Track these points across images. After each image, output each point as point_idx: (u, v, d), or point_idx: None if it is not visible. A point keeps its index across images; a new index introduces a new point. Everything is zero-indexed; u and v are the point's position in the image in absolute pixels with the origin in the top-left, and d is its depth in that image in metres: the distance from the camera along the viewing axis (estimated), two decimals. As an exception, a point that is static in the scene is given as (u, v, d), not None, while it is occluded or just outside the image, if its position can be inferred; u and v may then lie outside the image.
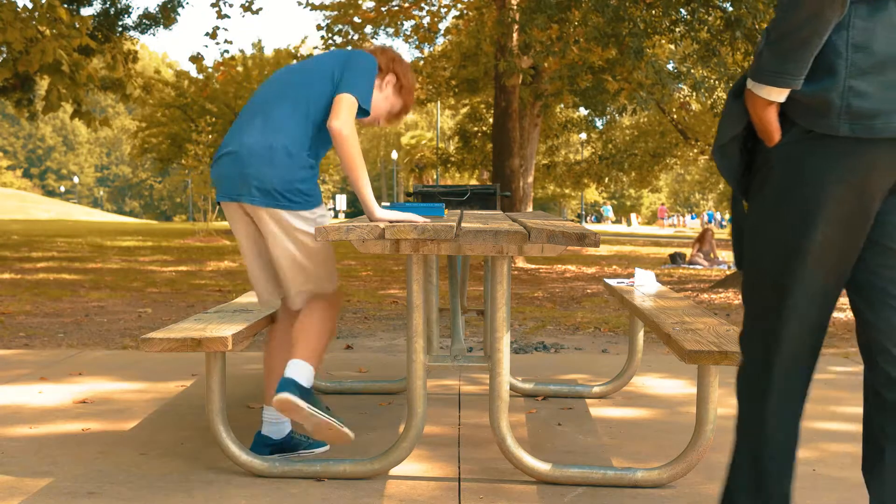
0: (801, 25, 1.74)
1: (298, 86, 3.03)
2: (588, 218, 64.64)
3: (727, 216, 60.89)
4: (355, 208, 55.07)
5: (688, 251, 16.18)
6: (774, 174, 1.88)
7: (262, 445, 3.07)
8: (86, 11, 16.64)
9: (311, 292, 3.05)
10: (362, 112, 2.95)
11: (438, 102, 21.97)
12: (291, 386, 2.78)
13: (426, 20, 16.45)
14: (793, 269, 1.89)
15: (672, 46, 14.80)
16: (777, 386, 1.97)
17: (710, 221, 52.90)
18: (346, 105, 2.88)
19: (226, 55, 13.78)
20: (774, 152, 1.88)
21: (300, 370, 2.84)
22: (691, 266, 15.46)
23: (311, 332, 2.94)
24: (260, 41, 36.86)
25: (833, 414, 3.85)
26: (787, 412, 1.98)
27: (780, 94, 1.81)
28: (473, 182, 28.28)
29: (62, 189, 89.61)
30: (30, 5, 12.55)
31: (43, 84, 16.60)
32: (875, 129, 1.76)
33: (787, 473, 2.00)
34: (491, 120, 19.17)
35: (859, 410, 3.91)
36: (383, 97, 3.18)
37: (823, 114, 1.78)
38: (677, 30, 10.20)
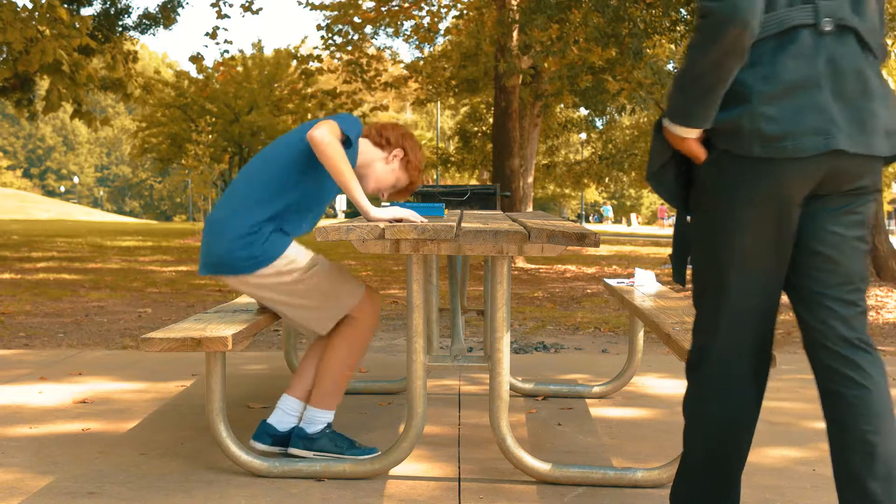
0: (706, 73, 1.91)
1: (270, 148, 3.11)
2: (591, 218, 64.64)
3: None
4: (354, 208, 54.99)
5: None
6: (705, 191, 2.05)
7: (265, 434, 3.09)
8: (86, 11, 16.65)
9: (328, 318, 3.06)
10: (346, 142, 2.96)
11: (438, 102, 21.98)
12: (298, 441, 3.03)
13: (426, 20, 16.45)
14: (727, 277, 2.06)
15: (672, 46, 14.80)
16: (715, 376, 2.11)
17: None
18: (325, 123, 2.92)
19: (226, 55, 13.79)
20: (702, 172, 2.04)
21: (312, 420, 3.04)
22: (691, 266, 15.44)
23: (330, 374, 3.03)
24: (260, 41, 36.86)
25: (833, 414, 3.85)
26: (729, 402, 2.11)
27: (692, 132, 2.00)
28: (473, 182, 28.28)
29: (62, 189, 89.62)
30: (30, 5, 12.55)
31: (43, 84, 16.61)
32: (786, 150, 1.92)
33: (726, 458, 2.13)
34: (491, 120, 19.17)
35: (859, 410, 3.91)
36: (390, 169, 3.20)
37: (738, 137, 1.94)
38: (677, 29, 10.21)
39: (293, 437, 3.04)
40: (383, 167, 3.18)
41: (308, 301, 3.02)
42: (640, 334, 4.16)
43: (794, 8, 1.93)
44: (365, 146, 3.17)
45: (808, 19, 1.93)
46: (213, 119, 31.97)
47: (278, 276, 2.97)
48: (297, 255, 2.99)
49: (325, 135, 2.84)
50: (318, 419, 3.04)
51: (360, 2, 16.28)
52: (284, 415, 3.11)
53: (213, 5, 12.95)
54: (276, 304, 3.06)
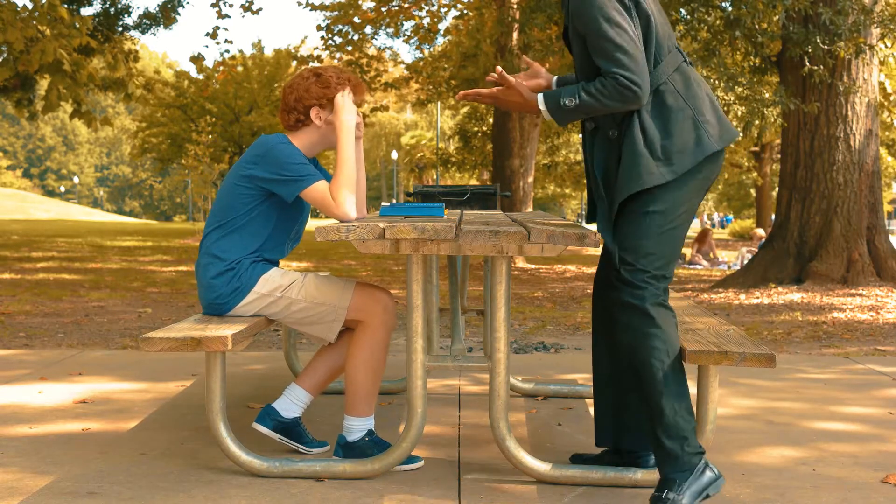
0: (594, 112, 2.55)
1: (224, 183, 3.13)
2: None
3: (727, 216, 60.84)
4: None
5: (688, 251, 16.19)
6: (659, 198, 2.56)
7: (268, 417, 3.11)
8: (86, 11, 16.65)
9: (329, 323, 3.06)
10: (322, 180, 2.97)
11: (438, 102, 21.97)
12: (339, 449, 3.04)
13: (426, 20, 16.46)
14: (673, 247, 2.62)
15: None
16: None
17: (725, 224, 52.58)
18: (318, 198, 2.94)
19: (226, 55, 13.80)
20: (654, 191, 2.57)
21: (350, 429, 3.04)
22: (691, 266, 15.46)
23: (356, 382, 3.01)
24: (260, 41, 36.86)
25: (833, 414, 3.86)
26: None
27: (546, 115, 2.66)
28: (473, 182, 28.27)
29: (62, 189, 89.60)
30: (30, 5, 12.56)
31: (43, 84, 16.60)
32: (723, 140, 2.59)
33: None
34: (491, 120, 19.17)
35: (859, 410, 3.91)
36: (327, 125, 3.09)
37: (700, 146, 2.55)
38: (677, 29, 10.20)
39: (338, 444, 3.05)
40: (324, 131, 3.10)
41: (303, 313, 3.05)
42: (640, 334, 4.15)
43: (672, 53, 2.61)
44: (302, 140, 3.10)
45: (682, 57, 2.65)
46: (213, 119, 31.98)
47: (260, 301, 3.03)
48: (272, 276, 3.05)
49: (345, 209, 2.90)
50: (356, 427, 3.03)
51: (360, 2, 16.29)
52: (290, 403, 3.13)
53: (213, 5, 12.96)
54: (282, 321, 3.12)
